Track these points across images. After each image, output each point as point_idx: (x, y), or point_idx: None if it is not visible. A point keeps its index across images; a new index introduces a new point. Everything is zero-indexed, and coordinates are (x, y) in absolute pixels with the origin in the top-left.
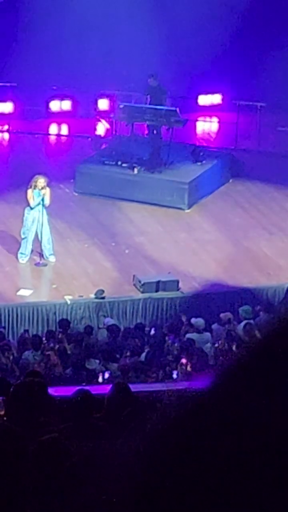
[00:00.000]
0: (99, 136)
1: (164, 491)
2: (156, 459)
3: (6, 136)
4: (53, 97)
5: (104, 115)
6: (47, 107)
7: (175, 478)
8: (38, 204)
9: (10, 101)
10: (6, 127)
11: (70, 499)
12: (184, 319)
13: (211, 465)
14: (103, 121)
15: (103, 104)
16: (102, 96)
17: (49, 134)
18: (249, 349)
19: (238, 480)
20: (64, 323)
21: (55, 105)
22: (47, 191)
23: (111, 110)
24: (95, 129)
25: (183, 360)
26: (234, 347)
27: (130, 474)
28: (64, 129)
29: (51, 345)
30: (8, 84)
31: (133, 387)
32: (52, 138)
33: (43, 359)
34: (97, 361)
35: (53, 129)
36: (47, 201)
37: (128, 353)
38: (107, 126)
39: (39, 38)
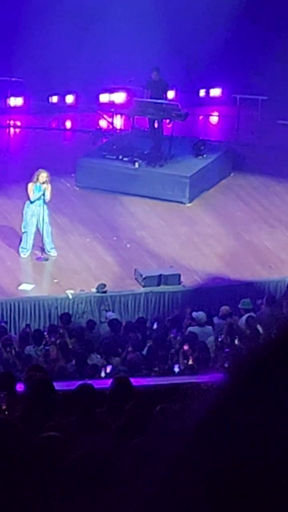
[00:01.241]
0: (100, 130)
1: (175, 491)
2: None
3: (9, 130)
4: (54, 92)
5: (105, 109)
6: (48, 101)
7: (187, 478)
8: (39, 198)
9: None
10: (6, 122)
11: (73, 494)
12: (188, 310)
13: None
14: (105, 116)
15: (104, 97)
16: (104, 90)
17: (50, 129)
18: (255, 345)
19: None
20: (65, 317)
21: (55, 100)
22: (48, 186)
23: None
24: (96, 124)
25: (185, 347)
26: (236, 341)
27: (135, 471)
28: (66, 124)
29: (52, 339)
30: (13, 79)
31: (135, 381)
32: (53, 132)
33: (44, 354)
34: (99, 355)
35: (54, 123)
36: (47, 197)
37: (130, 348)
38: (109, 120)
39: (41, 33)
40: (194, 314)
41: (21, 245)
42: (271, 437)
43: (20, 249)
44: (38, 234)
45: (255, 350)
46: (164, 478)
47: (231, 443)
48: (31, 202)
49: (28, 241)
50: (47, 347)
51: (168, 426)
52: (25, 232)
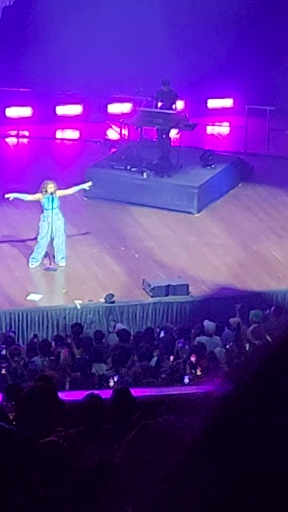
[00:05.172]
0: (108, 140)
1: (178, 502)
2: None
3: (16, 140)
4: (62, 102)
5: (113, 119)
6: (56, 111)
7: (190, 489)
8: (51, 208)
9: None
10: (14, 132)
11: (80, 504)
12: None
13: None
14: (113, 126)
15: (113, 108)
16: (112, 100)
17: (59, 139)
18: (263, 354)
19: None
20: (76, 328)
21: (64, 110)
22: (57, 194)
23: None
24: (105, 134)
25: (192, 358)
26: (244, 350)
27: (141, 481)
28: (74, 134)
29: (58, 349)
30: (21, 90)
31: (143, 391)
32: (62, 142)
33: (51, 364)
34: (107, 365)
35: (62, 134)
36: (56, 200)
37: (137, 358)
38: (117, 130)
39: (49, 43)
40: (205, 323)
41: (32, 255)
42: (273, 446)
43: (30, 259)
44: (50, 244)
45: (256, 358)
46: (166, 490)
47: (234, 454)
48: (44, 219)
49: (40, 252)
50: (51, 358)
51: (170, 437)
52: (38, 243)
